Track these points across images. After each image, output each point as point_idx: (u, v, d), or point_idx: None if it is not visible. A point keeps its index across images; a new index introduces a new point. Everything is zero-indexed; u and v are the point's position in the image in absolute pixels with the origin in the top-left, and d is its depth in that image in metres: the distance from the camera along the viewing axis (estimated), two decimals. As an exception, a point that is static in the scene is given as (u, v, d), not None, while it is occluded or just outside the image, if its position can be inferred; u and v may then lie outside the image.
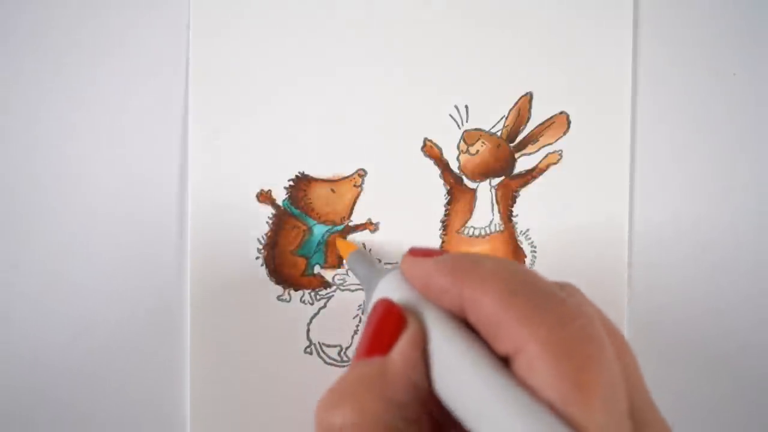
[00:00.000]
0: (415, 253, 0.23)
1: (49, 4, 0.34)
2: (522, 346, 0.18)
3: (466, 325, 0.21)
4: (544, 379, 0.18)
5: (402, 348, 0.20)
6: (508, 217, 0.37)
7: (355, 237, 0.36)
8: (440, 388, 0.20)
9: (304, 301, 0.36)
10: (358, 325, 0.36)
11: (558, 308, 0.19)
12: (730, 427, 0.39)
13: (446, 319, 0.21)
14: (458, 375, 0.19)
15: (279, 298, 0.35)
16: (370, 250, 0.36)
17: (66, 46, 0.34)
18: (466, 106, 0.36)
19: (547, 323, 0.19)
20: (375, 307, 0.22)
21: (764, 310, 0.38)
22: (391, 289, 0.23)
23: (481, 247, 0.37)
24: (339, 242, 0.35)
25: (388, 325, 0.21)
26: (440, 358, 0.20)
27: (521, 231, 0.37)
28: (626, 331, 0.37)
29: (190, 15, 0.34)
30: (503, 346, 0.19)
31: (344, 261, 0.35)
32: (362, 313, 0.36)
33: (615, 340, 0.20)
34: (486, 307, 0.20)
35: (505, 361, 0.19)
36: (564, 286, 0.21)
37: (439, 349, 0.20)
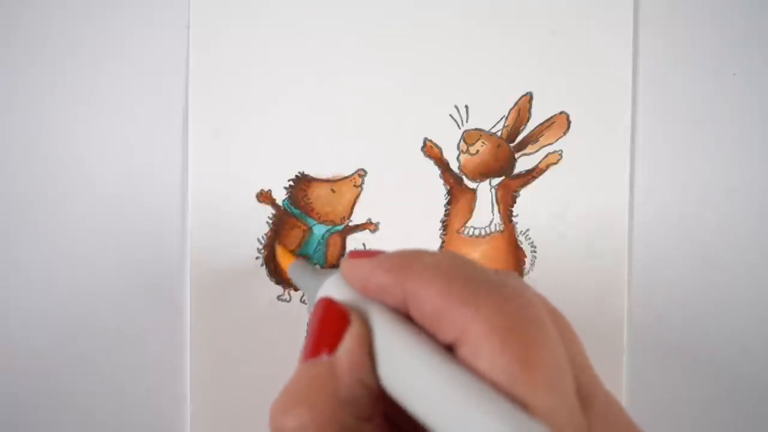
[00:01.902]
0: (354, 255, 0.23)
1: (49, 5, 0.34)
2: (465, 331, 0.19)
3: (409, 321, 0.21)
4: (488, 361, 0.18)
5: (347, 345, 0.20)
6: (508, 217, 0.37)
7: (355, 237, 0.36)
8: (388, 383, 0.20)
9: (304, 301, 0.36)
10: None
11: (498, 291, 0.19)
12: (730, 429, 0.39)
13: (389, 316, 0.21)
14: (405, 367, 0.19)
15: (279, 298, 0.35)
16: (370, 250, 0.36)
17: (66, 47, 0.34)
18: (466, 106, 0.36)
19: (488, 305, 0.19)
20: (316, 307, 0.22)
21: (765, 310, 0.38)
22: (333, 292, 0.23)
23: (481, 247, 0.37)
24: (279, 251, 0.35)
25: (330, 322, 0.21)
26: (386, 353, 0.20)
27: (521, 231, 0.37)
28: (626, 331, 0.37)
29: (190, 15, 0.34)
30: (447, 335, 0.19)
31: (285, 271, 0.35)
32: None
33: (558, 321, 0.20)
34: (427, 298, 0.20)
35: (450, 351, 0.19)
36: (506, 272, 0.21)
37: (384, 344, 0.20)
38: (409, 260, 0.21)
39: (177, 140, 0.35)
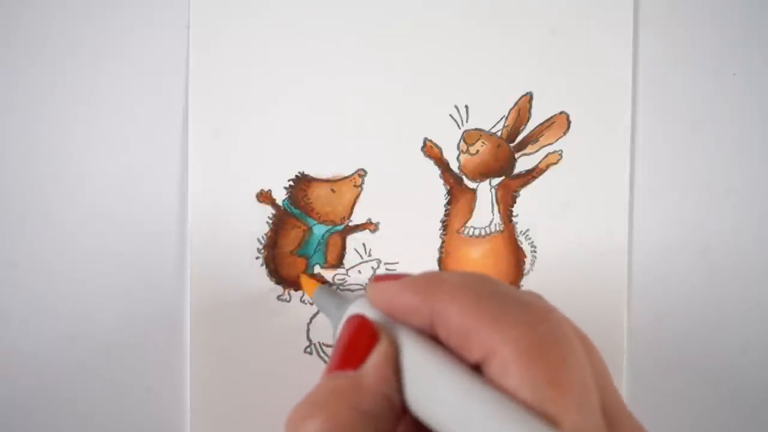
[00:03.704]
0: (380, 278, 0.23)
1: (49, 5, 0.34)
2: (494, 350, 0.19)
3: (436, 342, 0.21)
4: (518, 380, 0.18)
5: (375, 361, 0.21)
6: (508, 217, 0.37)
7: (355, 237, 0.36)
8: (416, 404, 0.20)
9: (304, 301, 0.36)
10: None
11: (527, 311, 0.20)
12: (730, 430, 0.39)
13: (417, 336, 0.21)
14: (434, 388, 0.20)
15: (279, 298, 0.35)
16: (370, 250, 0.36)
17: (66, 47, 0.34)
18: (466, 106, 0.36)
19: (518, 326, 0.19)
20: (347, 323, 0.23)
21: (765, 310, 0.38)
22: (363, 312, 0.23)
23: (481, 247, 0.37)
24: (303, 279, 0.35)
25: (360, 339, 0.22)
26: (414, 374, 0.20)
27: (521, 231, 0.37)
28: (626, 331, 0.37)
29: (190, 15, 0.34)
30: (474, 354, 0.20)
31: (310, 297, 0.35)
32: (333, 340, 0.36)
33: (583, 341, 0.21)
34: (455, 317, 0.20)
35: (477, 370, 0.20)
36: (529, 292, 0.22)
37: (413, 364, 0.21)
38: (435, 280, 0.21)
39: (177, 140, 0.35)
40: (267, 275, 0.35)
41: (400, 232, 0.36)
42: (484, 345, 0.19)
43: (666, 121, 0.37)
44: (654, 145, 0.37)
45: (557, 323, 0.19)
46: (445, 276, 0.21)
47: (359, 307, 0.24)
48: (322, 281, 0.35)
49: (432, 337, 0.21)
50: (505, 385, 0.18)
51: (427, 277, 0.22)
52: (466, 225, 0.37)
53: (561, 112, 0.36)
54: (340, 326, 0.24)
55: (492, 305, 0.20)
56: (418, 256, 0.36)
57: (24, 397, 0.35)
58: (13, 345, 0.35)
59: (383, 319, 0.22)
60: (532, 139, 0.37)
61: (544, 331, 0.19)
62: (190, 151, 0.34)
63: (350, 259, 0.36)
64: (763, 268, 0.38)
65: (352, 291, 0.36)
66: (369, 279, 0.24)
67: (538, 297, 0.21)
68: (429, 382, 0.20)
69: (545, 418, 0.18)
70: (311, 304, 0.36)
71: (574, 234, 0.37)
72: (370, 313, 0.23)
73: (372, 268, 0.36)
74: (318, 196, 0.36)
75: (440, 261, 0.36)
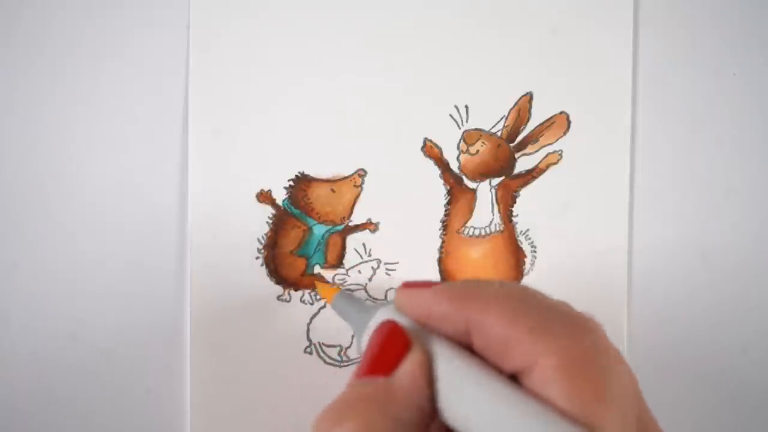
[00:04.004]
0: (410, 285, 0.23)
1: (49, 5, 0.34)
2: (536, 360, 0.19)
3: (468, 351, 0.21)
4: (560, 391, 0.18)
5: (409, 368, 0.20)
6: (508, 217, 0.37)
7: (355, 237, 0.36)
8: (452, 414, 0.20)
9: (304, 301, 0.36)
10: (358, 325, 0.36)
11: (570, 323, 0.20)
12: (730, 430, 0.39)
13: (450, 345, 0.21)
14: (471, 395, 0.20)
15: (279, 298, 0.35)
16: (370, 250, 0.36)
17: (66, 47, 0.34)
18: (466, 106, 0.36)
19: (562, 337, 0.19)
20: (380, 328, 0.22)
21: (765, 310, 0.38)
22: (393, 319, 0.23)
23: (481, 247, 0.37)
24: (319, 286, 0.35)
25: (393, 345, 0.21)
26: (450, 383, 0.20)
27: (521, 231, 0.37)
28: (626, 332, 0.37)
29: (190, 15, 0.34)
30: (513, 363, 0.19)
31: (328, 304, 0.35)
32: (358, 351, 0.35)
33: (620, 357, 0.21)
34: (494, 327, 0.20)
35: (513, 380, 0.20)
36: (564, 303, 0.22)
37: (448, 373, 0.20)
38: (474, 289, 0.21)
39: (177, 140, 0.35)
40: (267, 275, 0.35)
41: (400, 232, 0.36)
42: (524, 354, 0.19)
43: (666, 121, 0.37)
44: (654, 145, 0.37)
45: (600, 336, 0.20)
46: (484, 284, 0.21)
47: (388, 314, 0.23)
48: (338, 287, 0.35)
49: (464, 346, 0.21)
50: (545, 395, 0.18)
51: (464, 285, 0.22)
52: (466, 225, 0.37)
53: (561, 112, 0.36)
54: (367, 332, 0.23)
55: (534, 315, 0.20)
56: (418, 256, 0.36)
57: (24, 398, 0.35)
58: (13, 345, 0.34)
59: (412, 327, 0.22)
60: (532, 139, 0.37)
61: (588, 344, 0.19)
62: (190, 151, 0.34)
63: (350, 259, 0.36)
64: (763, 269, 0.38)
65: (373, 300, 0.36)
66: (395, 288, 0.24)
67: (576, 309, 0.21)
68: (466, 391, 0.20)
69: (587, 429, 0.18)
70: (311, 303, 0.36)
71: (574, 234, 0.37)
72: (400, 320, 0.23)
73: (372, 268, 0.36)
74: (318, 196, 0.36)
75: (440, 261, 0.36)
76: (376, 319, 0.24)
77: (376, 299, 0.36)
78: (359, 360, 0.22)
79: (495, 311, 0.20)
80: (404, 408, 0.20)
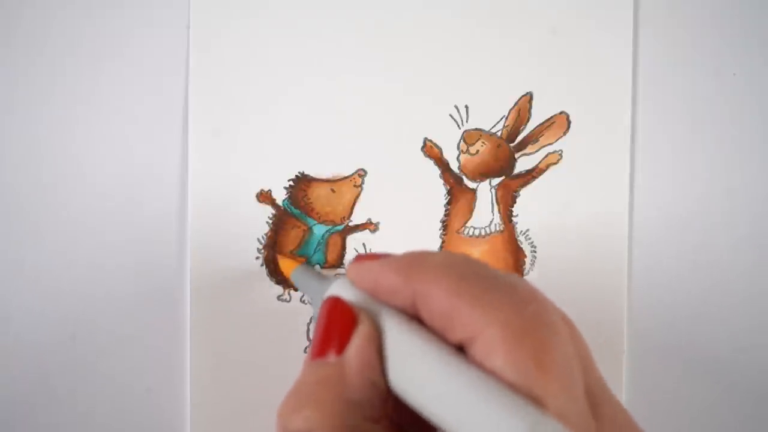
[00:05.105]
0: (361, 258, 0.23)
1: (49, 5, 0.34)
2: (478, 331, 0.19)
3: (417, 323, 0.21)
4: (503, 361, 0.18)
5: (357, 345, 0.20)
6: (508, 217, 0.37)
7: (355, 237, 0.36)
8: (399, 386, 0.20)
9: (304, 301, 0.36)
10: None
11: (512, 293, 0.19)
12: (729, 429, 0.39)
13: (398, 316, 0.21)
14: (418, 369, 0.19)
15: (279, 298, 0.35)
16: (370, 250, 0.36)
17: (66, 47, 0.34)
18: (466, 106, 0.36)
19: (504, 307, 0.19)
20: (323, 306, 0.22)
21: (765, 310, 0.38)
22: (339, 294, 0.23)
23: (481, 247, 0.37)
24: (281, 260, 0.35)
25: (338, 321, 0.21)
26: (397, 355, 0.20)
27: (521, 231, 0.37)
28: (626, 331, 0.37)
29: (190, 15, 0.34)
30: (457, 334, 0.19)
31: (289, 278, 0.34)
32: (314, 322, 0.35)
33: (566, 324, 0.20)
34: (438, 298, 0.20)
35: (459, 351, 0.19)
36: (511, 275, 0.21)
37: (395, 345, 0.20)
38: (418, 260, 0.21)
39: (177, 140, 0.35)
40: (267, 275, 0.35)
41: (400, 232, 0.36)
42: (468, 326, 0.19)
43: (666, 121, 0.37)
44: (654, 145, 0.37)
45: (543, 306, 0.19)
46: (428, 256, 0.21)
47: (340, 288, 0.23)
48: (301, 261, 0.35)
49: (414, 317, 0.21)
50: (489, 366, 0.18)
51: (409, 257, 0.21)
52: (466, 225, 0.37)
53: (561, 112, 0.36)
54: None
55: (476, 286, 0.19)
56: (418, 256, 0.36)
57: (24, 397, 0.35)
58: (13, 345, 0.35)
59: (364, 300, 0.22)
60: (532, 139, 0.37)
61: (531, 314, 0.19)
62: (190, 151, 0.34)
63: (350, 259, 0.36)
64: (763, 268, 0.38)
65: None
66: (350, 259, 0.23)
67: (521, 279, 0.21)
68: (412, 363, 0.20)
69: (530, 398, 0.18)
70: (311, 303, 0.36)
71: (574, 234, 0.37)
72: (351, 294, 0.22)
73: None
74: (318, 196, 0.36)
75: (440, 261, 0.36)
76: (328, 293, 0.23)
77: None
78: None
79: (439, 282, 0.20)
80: (358, 388, 0.20)
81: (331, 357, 0.21)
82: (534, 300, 0.19)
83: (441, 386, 0.19)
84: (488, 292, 0.19)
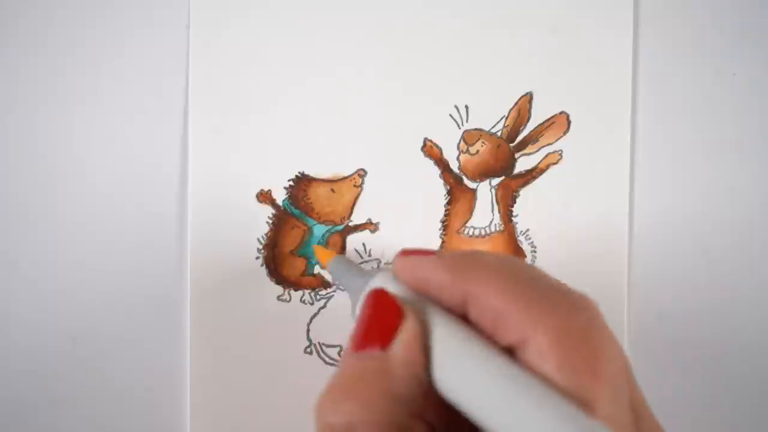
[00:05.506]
0: (408, 252, 0.22)
1: (49, 4, 0.34)
2: (531, 334, 0.19)
3: (465, 322, 0.21)
4: (555, 366, 0.18)
5: (404, 341, 0.20)
6: (508, 217, 0.37)
7: (355, 237, 0.36)
8: (445, 384, 0.20)
9: (304, 301, 0.36)
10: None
11: (567, 299, 0.19)
12: (729, 428, 0.39)
13: (445, 314, 0.21)
14: (466, 366, 0.19)
15: (279, 298, 0.35)
16: (370, 250, 0.36)
17: (66, 47, 0.34)
18: (466, 106, 0.36)
19: (559, 313, 0.19)
20: (369, 297, 0.22)
21: (765, 310, 0.38)
22: (386, 287, 0.22)
23: (481, 247, 0.37)
24: (316, 249, 0.35)
25: (385, 315, 0.21)
26: (444, 351, 0.20)
27: (521, 231, 0.37)
28: (626, 331, 0.37)
29: (190, 15, 0.34)
30: (509, 337, 0.19)
31: (324, 268, 0.34)
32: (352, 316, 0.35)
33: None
34: (491, 299, 0.20)
35: (508, 353, 0.19)
36: (561, 281, 0.21)
37: (442, 343, 0.20)
38: (471, 259, 0.21)
39: (177, 140, 0.35)
40: (267, 275, 0.35)
41: (400, 232, 0.36)
42: (520, 328, 0.19)
43: (666, 121, 0.37)
44: (654, 145, 0.37)
45: (596, 314, 0.20)
46: (481, 256, 0.21)
47: (384, 281, 0.22)
48: (336, 252, 0.35)
49: (460, 316, 0.21)
50: (540, 369, 0.18)
51: (462, 256, 0.21)
52: (466, 225, 0.37)
53: (561, 112, 0.36)
54: (362, 299, 0.23)
55: (531, 289, 0.19)
56: (418, 256, 0.36)
57: (24, 398, 0.35)
58: (13, 345, 0.34)
59: (408, 295, 0.22)
60: (532, 139, 0.37)
61: (585, 320, 0.19)
62: (190, 151, 0.34)
63: (396, 253, 0.36)
64: (763, 268, 0.38)
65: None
66: (395, 254, 0.23)
67: (570, 286, 0.21)
68: (462, 362, 0.19)
69: (580, 403, 0.18)
70: (311, 303, 0.36)
71: (574, 234, 0.37)
72: (396, 288, 0.22)
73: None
74: (318, 196, 0.36)
75: (440, 261, 0.36)
76: (372, 285, 0.23)
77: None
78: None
79: (493, 283, 0.20)
80: (402, 383, 0.19)
81: (375, 351, 0.20)
82: (588, 307, 0.20)
83: (490, 386, 0.19)
84: (542, 296, 0.19)
